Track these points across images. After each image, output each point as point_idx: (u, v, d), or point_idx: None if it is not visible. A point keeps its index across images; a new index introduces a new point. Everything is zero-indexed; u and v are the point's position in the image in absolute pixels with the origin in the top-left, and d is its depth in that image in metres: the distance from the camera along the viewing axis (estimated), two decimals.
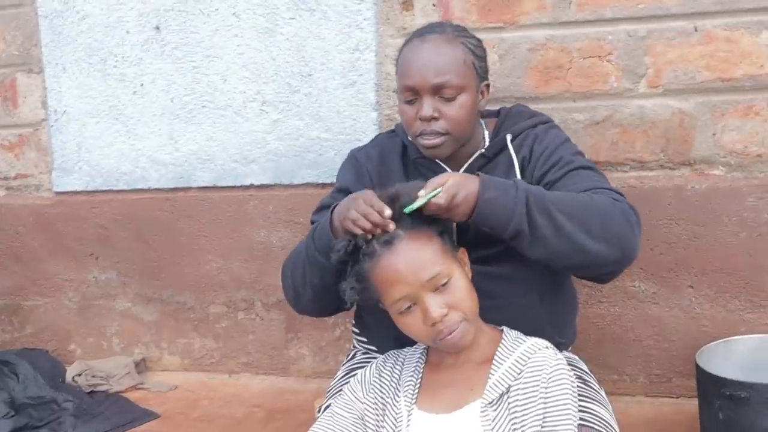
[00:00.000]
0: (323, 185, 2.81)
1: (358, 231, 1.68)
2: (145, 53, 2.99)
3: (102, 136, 3.09)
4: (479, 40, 2.04)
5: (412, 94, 1.96)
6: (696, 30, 2.44)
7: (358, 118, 2.77)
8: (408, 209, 1.69)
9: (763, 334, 2.39)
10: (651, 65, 2.48)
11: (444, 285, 1.65)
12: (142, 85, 3.01)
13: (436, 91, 1.93)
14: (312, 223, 2.11)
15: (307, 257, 1.92)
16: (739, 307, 2.48)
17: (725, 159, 2.47)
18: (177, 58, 2.95)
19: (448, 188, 1.70)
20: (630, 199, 2.41)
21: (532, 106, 2.29)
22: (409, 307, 1.66)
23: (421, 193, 1.69)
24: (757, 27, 2.39)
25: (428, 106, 1.93)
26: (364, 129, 2.76)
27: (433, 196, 1.69)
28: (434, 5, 2.64)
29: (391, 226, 1.67)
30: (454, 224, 1.84)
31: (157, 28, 2.97)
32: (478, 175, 1.79)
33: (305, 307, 2.08)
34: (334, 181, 2.70)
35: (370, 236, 1.68)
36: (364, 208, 1.69)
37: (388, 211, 1.68)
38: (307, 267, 1.93)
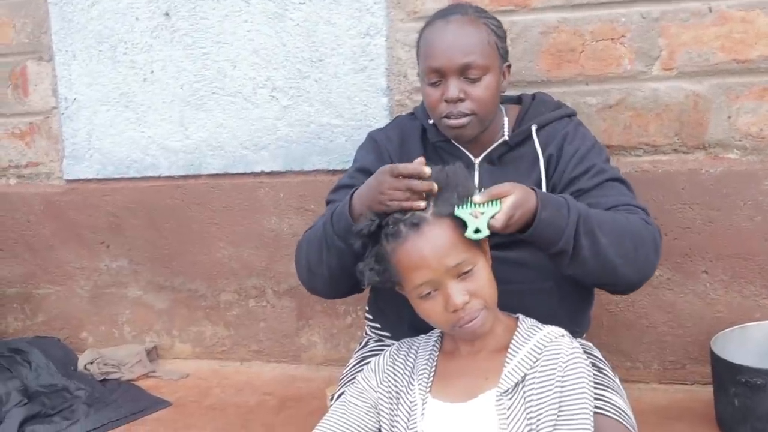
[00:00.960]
0: (334, 171, 2.80)
1: (395, 206, 1.64)
2: (154, 40, 2.97)
3: (113, 124, 3.08)
4: (499, 21, 2.03)
5: (437, 75, 1.95)
6: (710, 11, 2.40)
7: (369, 104, 2.75)
8: (458, 213, 1.63)
9: None
10: (665, 47, 2.45)
11: (467, 272, 1.63)
12: (152, 72, 3.00)
13: (462, 72, 1.92)
14: (328, 203, 2.09)
15: (325, 240, 1.90)
16: (754, 292, 2.46)
17: (740, 142, 2.45)
18: (187, 44, 2.94)
19: (508, 210, 1.64)
20: (643, 184, 2.42)
21: (545, 90, 2.27)
22: (430, 292, 1.65)
23: (477, 198, 1.63)
24: None
25: (454, 87, 1.92)
26: (375, 114, 2.74)
27: (492, 216, 1.62)
28: None
29: (435, 187, 1.64)
30: None
31: (167, 14, 2.95)
32: (533, 190, 1.73)
33: (318, 288, 2.06)
34: (345, 167, 2.71)
35: (398, 215, 1.65)
36: (397, 183, 1.66)
37: (427, 170, 1.65)
38: (324, 249, 1.91)
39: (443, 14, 2.01)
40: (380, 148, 2.14)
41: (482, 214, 1.63)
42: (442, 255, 1.62)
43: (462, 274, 1.63)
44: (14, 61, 3.20)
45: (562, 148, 2.00)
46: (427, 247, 1.62)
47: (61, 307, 3.27)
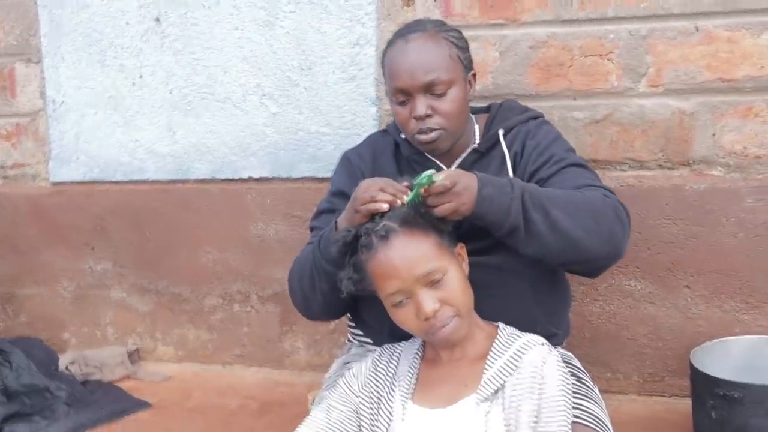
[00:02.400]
0: (321, 179, 2.81)
1: (383, 205, 1.69)
2: (144, 44, 2.98)
3: (100, 127, 3.08)
4: (459, 32, 2.05)
5: (403, 95, 1.97)
6: (697, 30, 2.43)
7: (358, 113, 2.77)
8: (410, 198, 1.70)
9: (758, 335, 2.39)
10: (652, 64, 2.48)
11: (438, 280, 1.66)
12: (141, 76, 3.01)
13: (427, 89, 1.94)
14: (311, 229, 2.13)
15: (315, 266, 1.94)
16: (734, 307, 2.48)
17: (724, 159, 2.47)
18: (177, 49, 2.95)
19: (450, 175, 1.72)
20: (628, 199, 2.42)
21: (533, 104, 2.29)
22: (402, 300, 1.67)
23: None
24: (758, 28, 2.39)
25: (421, 104, 1.95)
26: (364, 124, 2.76)
27: (437, 178, 1.69)
28: (435, 1, 2.64)
29: (405, 195, 1.71)
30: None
31: (158, 19, 2.96)
32: (474, 173, 1.79)
33: (315, 312, 2.09)
34: (332, 175, 2.73)
35: (370, 225, 1.69)
36: (380, 185, 1.73)
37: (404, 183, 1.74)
38: (315, 275, 1.95)
39: (402, 33, 2.02)
40: (353, 167, 2.17)
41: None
42: (411, 265, 1.64)
43: (432, 283, 1.65)
44: (2, 62, 3.20)
45: (524, 144, 2.04)
46: (397, 257, 1.65)
47: (44, 308, 3.26)
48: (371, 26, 2.72)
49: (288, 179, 2.88)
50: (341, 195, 2.08)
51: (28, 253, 3.24)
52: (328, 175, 2.77)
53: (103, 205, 3.11)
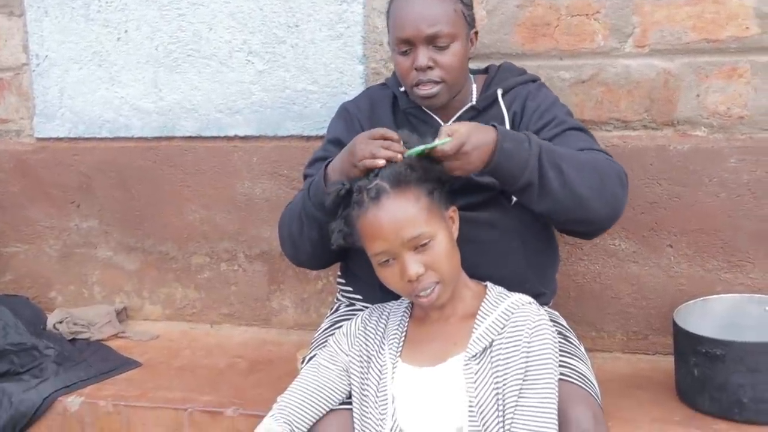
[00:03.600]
0: (308, 138, 2.81)
1: (380, 161, 1.71)
2: None
3: (85, 83, 3.05)
4: None
5: (406, 45, 2.00)
6: None
7: (345, 71, 2.76)
8: (410, 152, 1.71)
9: (740, 294, 2.43)
10: (638, 25, 2.48)
11: (425, 245, 1.67)
12: (126, 31, 2.97)
13: (430, 41, 1.98)
14: (305, 177, 2.14)
15: (305, 212, 1.95)
16: (716, 266, 2.51)
17: (708, 120, 2.49)
18: (162, 4, 2.91)
19: (459, 136, 1.73)
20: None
21: (519, 63, 2.31)
22: (388, 260, 1.69)
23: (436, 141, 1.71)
24: None
25: (423, 56, 1.98)
26: (351, 82, 2.75)
27: (442, 144, 1.70)
28: None
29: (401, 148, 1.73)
30: None
31: None
32: (494, 126, 1.80)
33: (304, 260, 2.13)
34: (319, 133, 2.74)
35: (364, 181, 1.70)
36: (380, 141, 1.74)
37: (395, 134, 1.76)
38: (304, 222, 1.97)
39: None
40: (351, 117, 2.20)
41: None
42: (399, 227, 1.66)
43: (419, 246, 1.67)
44: None
45: (524, 105, 2.08)
46: (385, 218, 1.67)
47: (29, 266, 3.25)
48: None
49: (274, 137, 2.87)
50: (338, 143, 2.11)
51: (12, 210, 3.22)
52: (315, 133, 2.78)
53: (89, 162, 3.09)
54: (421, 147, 1.71)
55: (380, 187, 1.68)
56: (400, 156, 1.71)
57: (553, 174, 1.81)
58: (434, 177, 1.73)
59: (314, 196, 1.91)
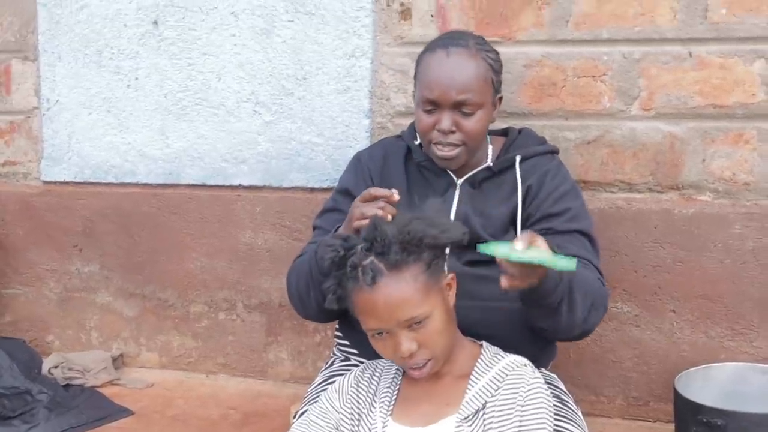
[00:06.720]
0: (312, 189, 2.81)
1: (362, 222, 1.71)
2: (141, 47, 2.98)
3: (93, 128, 3.08)
4: (497, 53, 2.07)
5: (431, 105, 1.99)
6: (690, 55, 2.44)
7: (351, 125, 2.77)
8: (521, 258, 1.54)
9: (743, 363, 2.40)
10: (644, 88, 2.49)
11: (419, 323, 1.64)
12: (136, 78, 3.00)
13: (457, 106, 1.97)
14: (314, 228, 2.14)
15: (311, 276, 1.96)
16: (719, 333, 2.48)
17: (713, 185, 2.48)
18: (173, 53, 2.94)
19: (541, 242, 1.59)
20: (616, 221, 2.46)
21: (524, 123, 2.32)
22: (381, 333, 1.67)
23: (520, 247, 1.53)
24: (750, 56, 2.40)
25: (447, 120, 1.97)
26: (356, 135, 2.76)
27: (569, 267, 1.55)
28: (432, 16, 2.64)
29: (396, 195, 1.73)
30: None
31: (155, 22, 2.96)
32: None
33: (311, 315, 2.12)
34: (323, 185, 2.75)
35: (359, 256, 1.65)
36: (366, 205, 1.74)
37: (396, 195, 1.74)
38: (311, 284, 1.97)
39: (445, 44, 2.02)
40: (362, 166, 2.19)
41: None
42: (394, 309, 1.63)
43: (414, 324, 1.64)
44: None
45: (543, 182, 2.05)
46: (381, 301, 1.63)
47: (29, 309, 3.24)
48: (368, 38, 2.73)
49: (279, 188, 2.87)
50: (346, 194, 2.11)
51: (15, 252, 3.22)
52: (319, 185, 2.79)
53: (93, 207, 3.09)
54: (537, 259, 1.54)
55: (376, 268, 1.64)
56: (389, 216, 1.69)
57: (579, 297, 1.80)
58: (434, 245, 1.68)
59: (320, 259, 1.90)
